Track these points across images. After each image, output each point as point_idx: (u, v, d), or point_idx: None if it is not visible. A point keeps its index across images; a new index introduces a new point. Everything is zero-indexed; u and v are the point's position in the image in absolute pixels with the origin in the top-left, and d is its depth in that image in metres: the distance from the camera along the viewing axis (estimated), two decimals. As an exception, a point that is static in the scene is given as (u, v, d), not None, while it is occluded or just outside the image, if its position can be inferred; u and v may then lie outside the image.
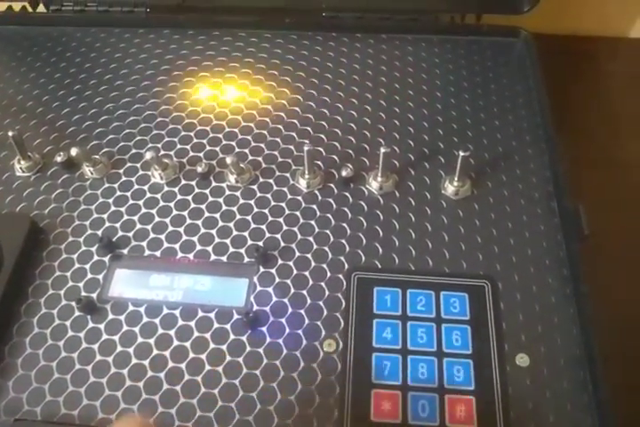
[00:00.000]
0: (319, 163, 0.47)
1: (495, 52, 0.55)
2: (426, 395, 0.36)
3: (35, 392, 0.37)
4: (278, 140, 0.48)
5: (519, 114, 0.50)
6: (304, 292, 0.40)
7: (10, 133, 0.45)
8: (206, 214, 0.44)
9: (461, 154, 0.43)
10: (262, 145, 0.48)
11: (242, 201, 0.45)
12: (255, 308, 0.40)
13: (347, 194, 0.45)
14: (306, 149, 0.43)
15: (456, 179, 0.44)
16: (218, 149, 0.48)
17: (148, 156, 0.44)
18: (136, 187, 0.46)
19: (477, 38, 0.56)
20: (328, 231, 0.43)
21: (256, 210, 0.44)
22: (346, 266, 0.42)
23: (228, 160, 0.44)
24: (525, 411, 0.36)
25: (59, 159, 0.46)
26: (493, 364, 0.37)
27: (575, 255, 0.41)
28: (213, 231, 0.43)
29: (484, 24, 0.56)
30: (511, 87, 0.52)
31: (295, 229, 0.43)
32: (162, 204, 0.45)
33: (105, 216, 0.44)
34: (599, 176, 0.55)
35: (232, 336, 0.39)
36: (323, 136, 0.49)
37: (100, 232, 0.43)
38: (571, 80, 0.64)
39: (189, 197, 0.45)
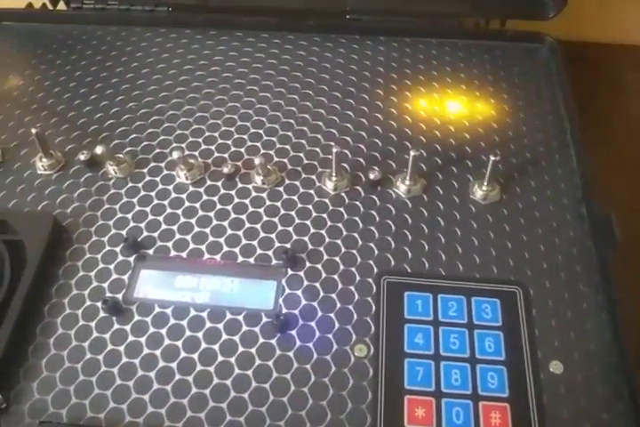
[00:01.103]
0: (345, 165, 0.46)
1: (520, 58, 0.55)
2: (460, 402, 0.36)
3: (60, 394, 0.36)
4: (304, 142, 0.48)
5: (546, 120, 0.50)
6: (333, 295, 0.40)
7: (33, 131, 0.44)
8: (232, 216, 0.44)
9: (492, 158, 0.42)
10: (288, 147, 0.48)
11: (268, 203, 0.44)
12: (284, 311, 0.39)
13: (374, 197, 0.45)
14: (334, 151, 0.43)
15: (485, 183, 0.44)
16: (243, 150, 0.47)
17: (175, 155, 0.43)
18: (161, 187, 0.45)
19: (502, 43, 0.55)
20: (356, 234, 0.43)
21: (283, 212, 0.44)
22: (375, 270, 0.41)
23: (257, 161, 0.43)
24: (561, 419, 0.35)
25: (82, 157, 0.46)
26: (527, 371, 0.37)
27: (607, 262, 0.41)
28: (240, 233, 0.43)
29: (509, 29, 0.56)
30: (537, 92, 0.52)
31: (323, 231, 0.43)
32: (187, 204, 0.44)
33: (129, 216, 0.44)
34: (623, 181, 0.55)
35: (261, 339, 0.38)
36: (348, 139, 0.48)
37: (124, 232, 0.43)
38: (588, 87, 0.64)
39: (215, 198, 0.44)
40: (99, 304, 0.39)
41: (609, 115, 0.63)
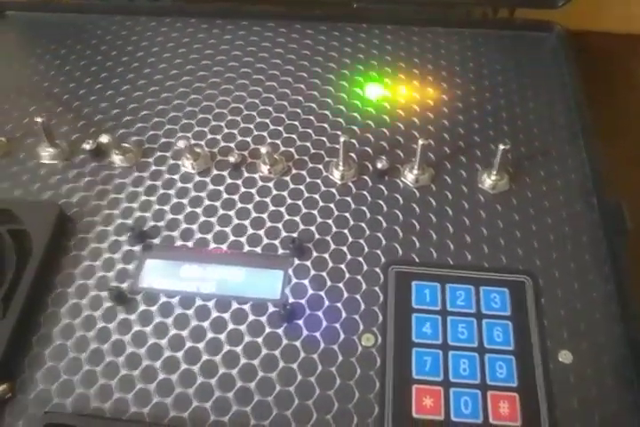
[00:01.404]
0: (352, 155, 0.46)
1: (528, 47, 0.54)
2: (468, 391, 0.35)
3: (64, 384, 0.36)
4: (310, 131, 0.48)
5: (555, 109, 0.49)
6: (340, 285, 0.40)
7: (38, 120, 0.44)
8: (239, 205, 0.43)
9: (501, 147, 0.42)
10: (294, 136, 0.47)
11: (275, 192, 0.44)
12: (291, 300, 0.39)
13: (381, 186, 0.44)
14: (342, 140, 0.42)
15: (494, 172, 0.43)
16: (249, 139, 0.47)
17: (182, 144, 0.43)
18: (167, 176, 0.45)
19: (510, 32, 0.55)
20: (363, 224, 0.42)
21: (289, 201, 0.43)
22: (382, 259, 0.41)
23: (263, 150, 0.43)
24: (570, 409, 0.35)
25: (87, 147, 0.45)
26: (536, 360, 0.36)
27: (617, 250, 0.40)
28: (246, 222, 0.42)
29: (517, 18, 0.55)
30: (546, 82, 0.51)
31: (330, 221, 0.42)
32: (193, 194, 0.44)
33: (135, 205, 0.43)
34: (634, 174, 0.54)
35: (268, 329, 0.38)
36: (355, 128, 0.48)
37: (130, 221, 0.42)
38: (593, 77, 0.63)
39: (221, 188, 0.44)
40: (103, 294, 0.39)
41: (620, 106, 0.62)
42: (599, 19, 0.65)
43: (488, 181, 0.44)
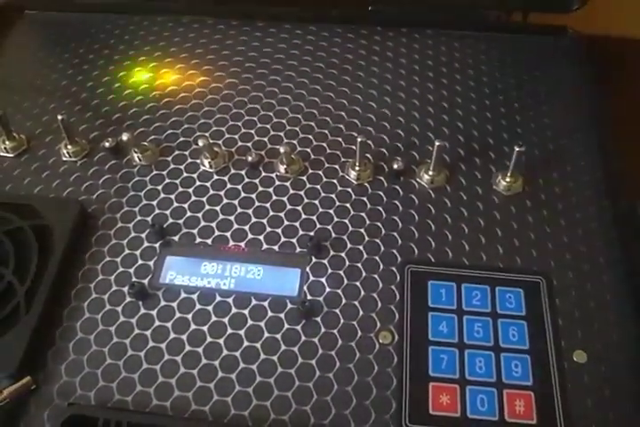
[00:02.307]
0: (368, 155, 0.46)
1: (542, 51, 0.54)
2: (484, 389, 0.36)
3: (87, 377, 0.37)
4: (326, 132, 0.48)
5: (568, 112, 0.50)
6: (357, 283, 0.40)
7: (59, 117, 0.44)
8: (257, 204, 0.44)
9: (516, 149, 0.42)
10: (310, 136, 0.48)
11: (292, 191, 0.45)
12: (309, 298, 0.39)
13: (397, 187, 0.45)
14: (359, 140, 0.43)
15: (509, 174, 0.44)
16: (266, 139, 0.48)
17: (201, 143, 0.44)
18: (185, 175, 0.45)
19: (524, 36, 0.55)
20: (379, 224, 0.43)
21: (306, 201, 0.44)
22: (399, 259, 0.41)
23: (282, 149, 0.44)
24: (585, 408, 0.36)
25: (107, 145, 0.46)
26: (551, 360, 0.37)
27: (632, 253, 0.41)
28: (264, 221, 0.43)
29: (531, 22, 0.56)
30: (559, 85, 0.52)
31: (346, 220, 0.43)
32: (212, 192, 0.44)
33: (154, 203, 0.44)
34: None
35: (286, 325, 0.38)
36: (371, 129, 0.48)
37: (149, 219, 0.43)
38: (606, 81, 0.64)
39: (239, 187, 0.45)
40: (125, 289, 0.40)
41: (634, 109, 0.62)
42: (613, 23, 0.66)
43: (502, 182, 0.44)
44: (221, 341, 0.38)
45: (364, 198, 0.44)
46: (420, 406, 0.35)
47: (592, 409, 0.36)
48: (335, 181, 0.45)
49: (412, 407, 0.35)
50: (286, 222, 0.43)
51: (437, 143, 0.42)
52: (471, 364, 0.37)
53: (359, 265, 0.41)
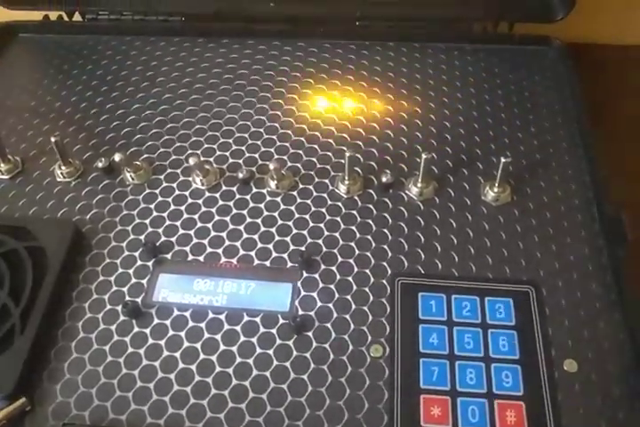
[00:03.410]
0: (358, 169, 0.47)
1: (528, 61, 0.55)
2: (475, 400, 0.36)
3: (82, 397, 0.37)
4: (316, 146, 0.49)
5: (555, 121, 0.50)
6: (348, 297, 0.41)
7: (52, 139, 0.45)
8: (248, 220, 0.44)
9: (503, 160, 0.43)
10: (300, 152, 0.48)
11: (282, 207, 0.45)
12: (300, 312, 0.40)
13: (386, 200, 0.45)
14: (347, 154, 0.43)
15: (496, 185, 0.44)
16: (257, 155, 0.48)
17: (192, 161, 0.44)
18: (177, 193, 0.46)
19: (510, 47, 0.56)
20: (369, 237, 0.43)
21: (297, 216, 0.45)
22: (389, 271, 0.42)
23: (271, 166, 0.44)
24: (576, 417, 0.36)
25: (100, 165, 0.47)
26: (541, 369, 0.37)
27: (618, 261, 0.41)
28: (256, 236, 0.43)
29: (517, 33, 0.57)
30: (546, 95, 0.52)
31: (336, 234, 0.44)
32: (203, 209, 0.45)
33: (147, 221, 0.44)
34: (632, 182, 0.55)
35: (278, 341, 0.39)
36: (360, 143, 0.49)
37: (142, 237, 0.44)
38: (595, 90, 0.64)
39: (231, 203, 0.45)
40: (119, 308, 0.40)
41: (616, 116, 0.63)
42: (597, 31, 0.67)
43: (490, 193, 0.45)
44: (214, 357, 0.38)
45: (354, 212, 0.45)
46: (412, 419, 0.36)
47: (583, 418, 0.36)
48: (325, 195, 0.46)
49: (403, 420, 0.36)
50: (277, 238, 0.43)
51: (424, 156, 0.43)
52: (462, 375, 0.37)
53: (350, 279, 0.41)
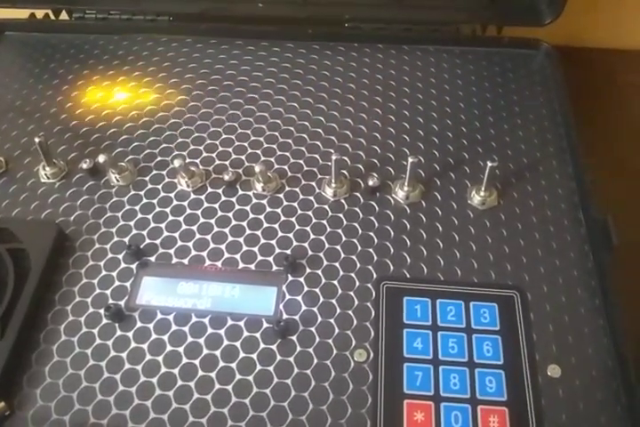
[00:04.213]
0: (344, 172, 0.47)
1: (516, 64, 0.55)
2: (458, 406, 0.36)
3: (63, 401, 0.37)
4: (303, 149, 0.49)
5: (542, 125, 0.50)
6: (333, 301, 0.40)
7: (36, 140, 0.45)
8: (233, 222, 0.44)
9: (489, 164, 0.43)
10: (287, 154, 0.48)
11: (268, 209, 0.45)
12: (285, 316, 0.40)
13: (373, 203, 0.45)
14: (334, 158, 0.43)
15: (483, 189, 0.44)
16: (243, 157, 0.48)
17: (177, 163, 0.44)
18: (162, 194, 0.46)
19: (498, 50, 0.56)
20: (355, 240, 0.43)
21: (283, 218, 0.44)
22: (374, 275, 0.41)
23: (257, 168, 0.44)
24: (559, 422, 0.36)
25: (84, 166, 0.46)
26: (525, 375, 0.37)
27: (604, 266, 0.41)
28: (241, 239, 0.43)
29: (505, 36, 0.57)
30: (534, 98, 0.52)
31: (322, 237, 0.43)
32: (188, 211, 0.45)
33: (131, 223, 0.44)
34: (621, 187, 0.55)
35: (262, 345, 0.39)
36: (347, 145, 0.49)
37: (126, 239, 0.43)
38: (584, 92, 0.64)
39: (216, 205, 0.45)
40: (101, 311, 0.40)
41: (604, 119, 0.63)
42: (586, 34, 0.67)
43: (477, 197, 0.45)
44: (197, 362, 0.38)
45: (341, 215, 0.45)
46: (395, 425, 0.35)
47: (566, 423, 0.36)
48: (312, 197, 0.46)
49: (386, 426, 0.35)
50: (263, 241, 0.43)
51: (411, 159, 0.43)
52: (445, 380, 0.37)
53: (335, 282, 0.41)
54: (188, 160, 0.47)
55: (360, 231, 0.44)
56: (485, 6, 0.55)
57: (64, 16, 0.60)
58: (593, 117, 0.61)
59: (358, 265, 0.42)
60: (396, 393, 0.36)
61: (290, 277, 0.41)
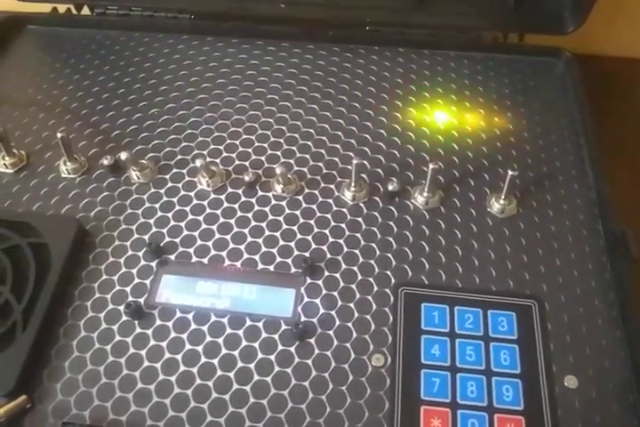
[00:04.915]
0: (364, 176, 0.47)
1: (537, 72, 0.55)
2: (475, 413, 0.36)
3: (82, 396, 0.37)
4: (323, 151, 0.49)
5: (562, 134, 0.50)
6: (351, 305, 0.41)
7: (58, 135, 0.45)
8: (253, 223, 0.44)
9: (510, 173, 0.43)
10: (307, 156, 0.48)
11: (287, 211, 0.45)
12: (303, 319, 0.40)
13: (392, 208, 0.45)
14: (354, 162, 0.43)
15: (502, 197, 0.45)
16: (263, 158, 0.48)
17: (198, 163, 0.44)
18: (182, 193, 0.46)
19: (520, 57, 0.56)
20: (374, 245, 0.43)
21: (302, 220, 0.44)
22: (392, 280, 0.42)
23: (278, 170, 0.44)
24: (575, 433, 0.36)
25: (105, 162, 0.46)
26: (542, 384, 0.37)
27: (622, 278, 0.41)
28: (260, 240, 0.43)
29: (527, 43, 0.57)
30: (554, 107, 0.52)
31: (341, 241, 0.43)
32: (208, 211, 0.45)
33: (151, 221, 0.44)
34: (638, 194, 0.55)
35: (280, 347, 0.39)
36: (367, 149, 0.49)
37: (146, 237, 0.43)
38: (602, 102, 0.64)
39: (236, 206, 0.45)
40: (121, 308, 0.40)
41: (629, 130, 0.63)
42: (609, 43, 0.67)
43: (496, 205, 0.45)
44: (215, 361, 0.38)
45: (359, 219, 0.45)
46: (412, 430, 0.36)
47: (582, 434, 0.36)
48: (331, 200, 0.46)
49: (403, 431, 0.36)
50: (282, 242, 0.43)
51: (431, 166, 0.43)
52: (463, 387, 0.37)
53: (353, 286, 0.41)
54: (208, 159, 0.47)
55: (379, 236, 0.44)
56: (509, 13, 0.55)
57: (86, 11, 0.60)
58: (611, 127, 0.61)
59: (377, 270, 0.42)
60: (414, 399, 0.37)
61: (308, 280, 0.41)
